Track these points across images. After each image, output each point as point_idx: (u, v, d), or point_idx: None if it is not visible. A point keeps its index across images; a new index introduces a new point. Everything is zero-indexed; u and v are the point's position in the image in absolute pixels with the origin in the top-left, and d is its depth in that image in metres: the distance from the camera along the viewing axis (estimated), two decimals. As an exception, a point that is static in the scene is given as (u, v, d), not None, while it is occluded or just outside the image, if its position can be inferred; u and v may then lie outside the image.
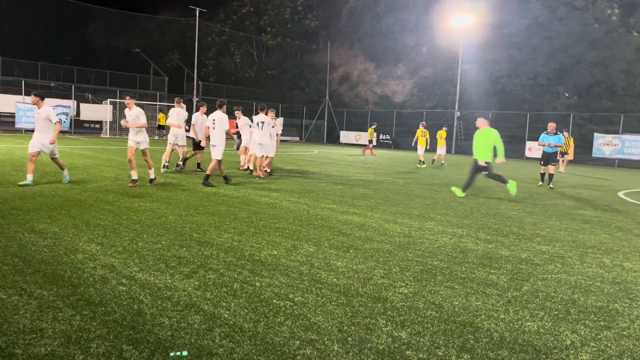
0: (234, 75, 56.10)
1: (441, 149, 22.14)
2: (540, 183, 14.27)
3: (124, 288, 4.03)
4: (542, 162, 14.28)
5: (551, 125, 13.97)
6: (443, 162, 22.60)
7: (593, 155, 30.00)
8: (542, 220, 8.39)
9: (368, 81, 49.86)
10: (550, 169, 13.97)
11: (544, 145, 13.93)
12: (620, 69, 34.47)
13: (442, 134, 22.21)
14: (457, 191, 11.19)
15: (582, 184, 16.03)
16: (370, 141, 27.41)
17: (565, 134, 19.90)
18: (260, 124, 12.53)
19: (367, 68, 50.24)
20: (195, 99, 38.89)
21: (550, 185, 13.87)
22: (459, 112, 37.33)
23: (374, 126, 28.02)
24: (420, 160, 21.20)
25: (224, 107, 10.98)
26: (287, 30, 54.92)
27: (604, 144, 29.52)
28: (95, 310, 3.55)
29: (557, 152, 14.17)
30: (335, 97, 49.19)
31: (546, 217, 8.81)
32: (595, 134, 30.40)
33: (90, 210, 7.14)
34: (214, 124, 10.91)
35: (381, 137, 40.40)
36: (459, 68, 36.62)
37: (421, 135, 21.26)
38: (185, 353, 2.99)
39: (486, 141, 10.72)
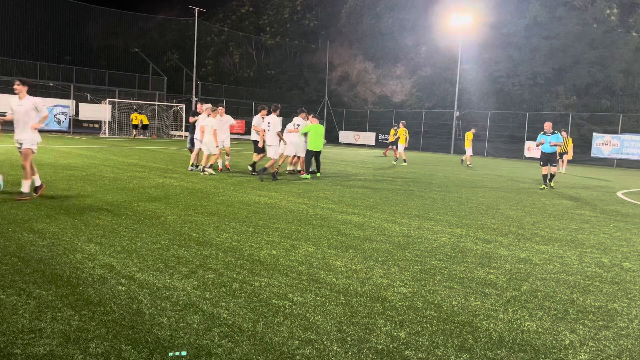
0: (233, 75, 56.08)
1: (469, 149, 22.22)
2: (543, 186, 13.69)
3: (123, 288, 4.02)
4: (541, 163, 13.79)
5: (547, 125, 13.64)
6: (468, 163, 22.62)
7: (592, 155, 30.01)
8: (541, 220, 8.40)
9: (367, 81, 49.86)
10: (552, 169, 13.79)
11: (541, 144, 13.62)
12: (619, 69, 34.49)
13: (469, 135, 22.18)
14: (306, 176, 13.13)
15: (581, 184, 16.04)
16: (392, 142, 27.28)
17: (564, 134, 19.87)
18: (296, 126, 13.54)
19: (366, 68, 50.23)
20: (194, 99, 38.87)
21: (551, 184, 13.80)
22: (457, 112, 37.32)
23: (395, 127, 27.76)
24: (403, 159, 21.70)
25: (278, 110, 12.22)
26: (286, 30, 54.91)
27: (603, 144, 29.54)
28: (94, 310, 3.55)
29: (556, 152, 13.97)
30: (334, 96, 49.16)
31: (545, 217, 8.82)
32: (594, 134, 30.42)
33: (89, 210, 7.13)
34: (268, 126, 12.06)
35: (380, 136, 40.40)
36: (458, 68, 36.62)
37: (402, 134, 21.55)
38: (184, 353, 2.99)
39: (317, 134, 13.19)
